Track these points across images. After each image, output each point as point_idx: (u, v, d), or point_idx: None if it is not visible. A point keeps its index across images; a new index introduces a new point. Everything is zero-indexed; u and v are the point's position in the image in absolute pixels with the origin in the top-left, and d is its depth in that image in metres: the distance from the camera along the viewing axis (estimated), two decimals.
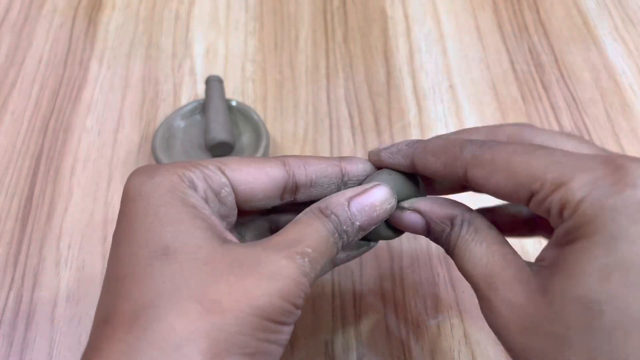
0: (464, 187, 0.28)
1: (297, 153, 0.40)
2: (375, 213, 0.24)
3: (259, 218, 0.28)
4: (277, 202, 0.25)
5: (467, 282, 0.25)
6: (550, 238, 0.21)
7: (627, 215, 0.18)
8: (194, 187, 0.23)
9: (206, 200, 0.23)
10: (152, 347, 0.18)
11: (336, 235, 0.23)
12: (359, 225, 0.24)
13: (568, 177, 0.20)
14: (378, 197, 0.24)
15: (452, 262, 0.35)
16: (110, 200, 0.38)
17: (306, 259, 0.21)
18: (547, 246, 0.22)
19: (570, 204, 0.19)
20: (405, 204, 0.26)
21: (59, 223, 0.37)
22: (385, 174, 0.26)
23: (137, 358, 0.18)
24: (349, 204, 0.23)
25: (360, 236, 0.24)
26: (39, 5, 0.49)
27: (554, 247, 0.21)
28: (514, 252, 0.22)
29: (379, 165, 0.27)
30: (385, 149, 0.27)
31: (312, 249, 0.22)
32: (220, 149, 0.38)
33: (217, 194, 0.23)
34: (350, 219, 0.23)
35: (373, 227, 0.24)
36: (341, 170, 0.26)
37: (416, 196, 0.26)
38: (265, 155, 0.38)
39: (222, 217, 0.24)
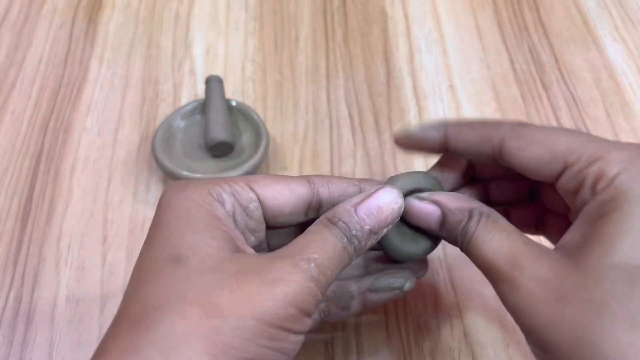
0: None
1: (297, 153, 0.40)
2: (383, 215, 0.24)
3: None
4: (302, 219, 0.26)
5: (466, 283, 0.25)
6: (574, 221, 0.22)
7: None
8: (221, 202, 0.24)
9: (233, 214, 0.24)
10: (152, 346, 0.19)
11: (345, 240, 0.23)
12: (369, 229, 0.24)
13: (605, 153, 0.21)
14: (384, 199, 0.24)
15: (452, 262, 0.35)
16: (110, 200, 0.38)
17: (312, 264, 0.22)
18: (571, 230, 0.22)
19: (607, 176, 0.20)
20: (424, 195, 0.26)
21: (59, 223, 0.37)
22: (403, 175, 0.27)
23: (136, 356, 0.19)
24: (355, 210, 0.24)
25: (373, 241, 0.25)
26: (39, 5, 0.49)
27: (582, 226, 0.21)
28: (534, 241, 0.23)
29: (406, 144, 0.28)
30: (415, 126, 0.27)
31: (318, 255, 0.22)
32: (220, 149, 0.38)
33: (245, 208, 0.25)
34: (359, 224, 0.24)
35: (385, 230, 0.25)
36: (360, 190, 0.27)
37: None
38: (265, 155, 0.38)
39: (251, 231, 0.25)
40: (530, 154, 0.23)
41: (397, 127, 0.42)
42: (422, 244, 0.28)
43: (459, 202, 0.25)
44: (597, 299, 0.19)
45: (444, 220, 0.25)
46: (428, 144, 0.27)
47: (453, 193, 0.26)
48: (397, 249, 0.27)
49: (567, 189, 0.22)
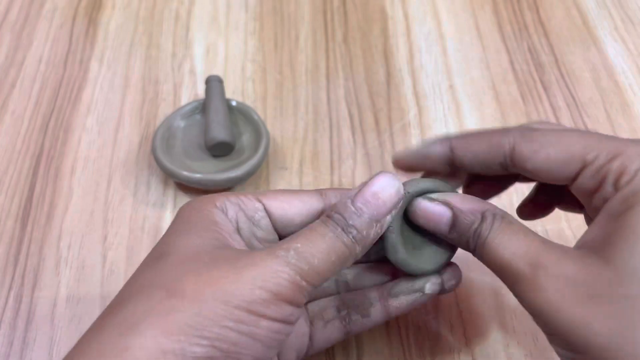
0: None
1: (297, 153, 0.40)
2: (380, 200, 0.24)
3: None
4: None
5: (466, 283, 0.25)
6: (596, 217, 0.22)
7: None
8: (224, 210, 0.24)
9: (237, 222, 0.25)
10: (112, 327, 0.20)
11: (338, 230, 0.23)
12: (369, 217, 0.23)
13: (623, 149, 0.21)
14: (379, 184, 0.24)
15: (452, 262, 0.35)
16: (110, 200, 0.38)
17: (291, 252, 0.22)
18: (591, 229, 0.22)
19: (629, 170, 0.20)
20: (434, 195, 0.25)
21: (59, 223, 0.37)
22: (414, 180, 0.26)
23: (99, 336, 0.20)
24: (352, 201, 0.23)
25: (378, 230, 0.24)
26: (39, 5, 0.49)
27: (606, 222, 0.21)
28: (553, 242, 0.22)
29: (408, 164, 0.27)
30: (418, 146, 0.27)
31: (301, 244, 0.22)
32: (220, 149, 0.38)
33: (250, 218, 0.25)
34: (355, 214, 0.23)
35: (387, 217, 0.24)
36: None
37: None
38: (265, 155, 0.38)
39: (260, 241, 0.25)
40: (546, 155, 0.22)
41: (397, 126, 0.42)
42: (434, 256, 0.27)
43: (471, 204, 0.24)
44: (634, 295, 0.18)
45: (454, 222, 0.25)
46: (433, 159, 0.26)
47: (465, 195, 0.26)
48: (407, 263, 0.26)
49: (585, 189, 0.22)
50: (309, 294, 0.22)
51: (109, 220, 0.37)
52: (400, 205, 0.25)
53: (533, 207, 0.29)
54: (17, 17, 0.48)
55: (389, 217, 0.24)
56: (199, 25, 0.48)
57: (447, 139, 0.26)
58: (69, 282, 0.34)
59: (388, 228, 0.25)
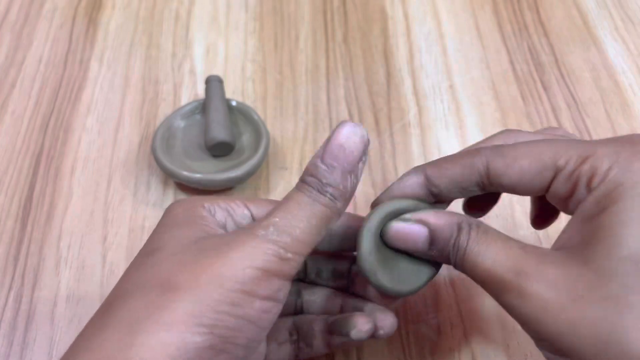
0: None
1: (297, 153, 0.40)
2: (348, 151, 0.23)
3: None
4: None
5: (466, 283, 0.25)
6: (570, 219, 0.22)
7: None
8: (212, 213, 0.25)
9: (225, 226, 0.25)
10: (112, 325, 0.20)
11: (314, 192, 0.23)
12: (341, 171, 0.23)
13: (592, 151, 0.21)
14: (342, 135, 0.23)
15: None
16: (110, 200, 0.38)
17: (270, 228, 0.22)
18: (566, 231, 0.22)
19: (600, 171, 0.21)
20: (407, 215, 0.25)
21: (59, 223, 0.37)
22: (388, 200, 0.26)
23: (98, 336, 0.20)
24: (321, 160, 0.23)
25: (354, 180, 0.23)
26: (39, 5, 0.49)
27: (581, 224, 0.21)
28: (532, 245, 0.22)
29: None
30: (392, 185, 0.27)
31: (279, 218, 0.22)
32: (220, 149, 0.38)
33: (238, 224, 0.25)
34: (326, 171, 0.23)
35: (359, 165, 0.23)
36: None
37: None
38: (265, 155, 0.38)
39: None
40: (519, 168, 0.23)
41: (397, 126, 0.42)
42: (416, 276, 0.26)
43: (445, 217, 0.24)
44: (615, 295, 0.19)
45: (432, 239, 0.24)
46: (410, 191, 0.26)
47: (436, 209, 0.25)
48: (386, 287, 0.25)
49: (559, 195, 0.22)
50: (298, 264, 0.22)
51: (109, 220, 0.37)
52: (375, 219, 0.25)
53: (541, 218, 0.29)
54: (17, 17, 0.48)
55: (360, 165, 0.24)
56: (199, 25, 0.48)
57: (421, 169, 0.26)
58: (69, 282, 0.34)
59: (364, 251, 0.25)
